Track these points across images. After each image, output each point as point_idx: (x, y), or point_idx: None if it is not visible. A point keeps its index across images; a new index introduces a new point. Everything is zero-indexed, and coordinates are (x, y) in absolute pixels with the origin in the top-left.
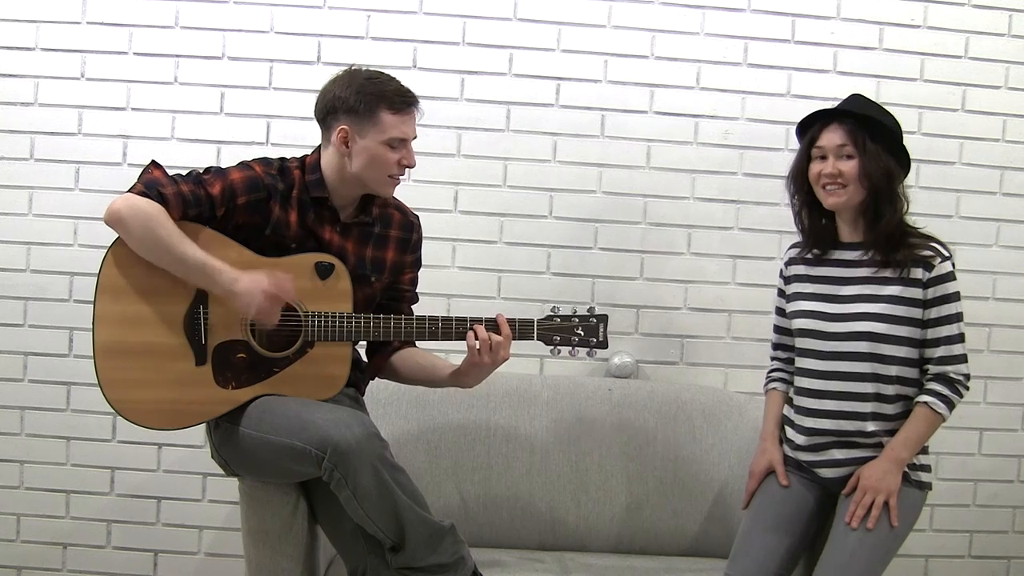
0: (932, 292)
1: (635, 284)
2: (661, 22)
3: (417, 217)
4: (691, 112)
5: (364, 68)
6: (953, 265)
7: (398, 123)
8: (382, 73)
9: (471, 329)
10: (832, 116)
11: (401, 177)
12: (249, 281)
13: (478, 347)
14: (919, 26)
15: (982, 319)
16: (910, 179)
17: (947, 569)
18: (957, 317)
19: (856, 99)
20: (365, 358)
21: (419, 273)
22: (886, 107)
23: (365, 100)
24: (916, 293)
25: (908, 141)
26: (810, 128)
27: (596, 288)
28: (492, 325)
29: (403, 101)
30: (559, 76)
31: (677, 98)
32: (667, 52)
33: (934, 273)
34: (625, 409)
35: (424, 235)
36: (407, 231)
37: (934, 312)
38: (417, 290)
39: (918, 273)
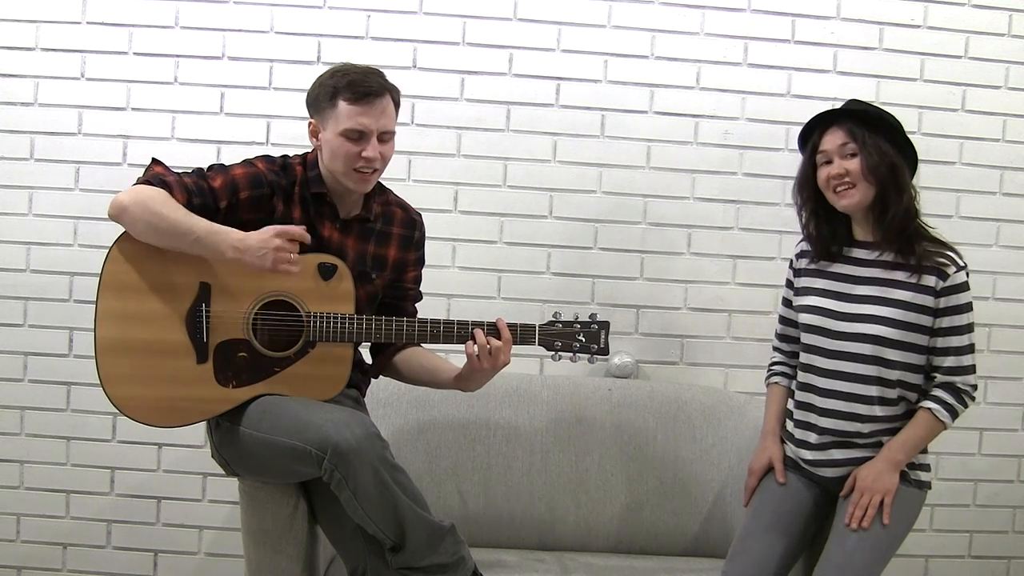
0: (945, 302)
1: (635, 284)
2: (661, 22)
3: (419, 215)
4: (691, 112)
5: (351, 64)
6: (967, 275)
7: (354, 114)
8: (355, 66)
9: (471, 335)
10: (831, 119)
11: (366, 171)
12: (257, 234)
13: (477, 354)
14: (919, 26)
15: (982, 319)
16: None
17: (947, 569)
18: (968, 328)
19: (853, 103)
20: (368, 357)
21: (422, 271)
22: (886, 107)
23: (325, 92)
24: (927, 301)
25: None
26: (811, 136)
27: (596, 288)
28: (492, 330)
29: (362, 91)
30: (559, 76)
31: (677, 98)
32: (667, 52)
33: (948, 283)
34: (625, 409)
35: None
36: (409, 228)
37: (946, 322)
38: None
39: (931, 281)
